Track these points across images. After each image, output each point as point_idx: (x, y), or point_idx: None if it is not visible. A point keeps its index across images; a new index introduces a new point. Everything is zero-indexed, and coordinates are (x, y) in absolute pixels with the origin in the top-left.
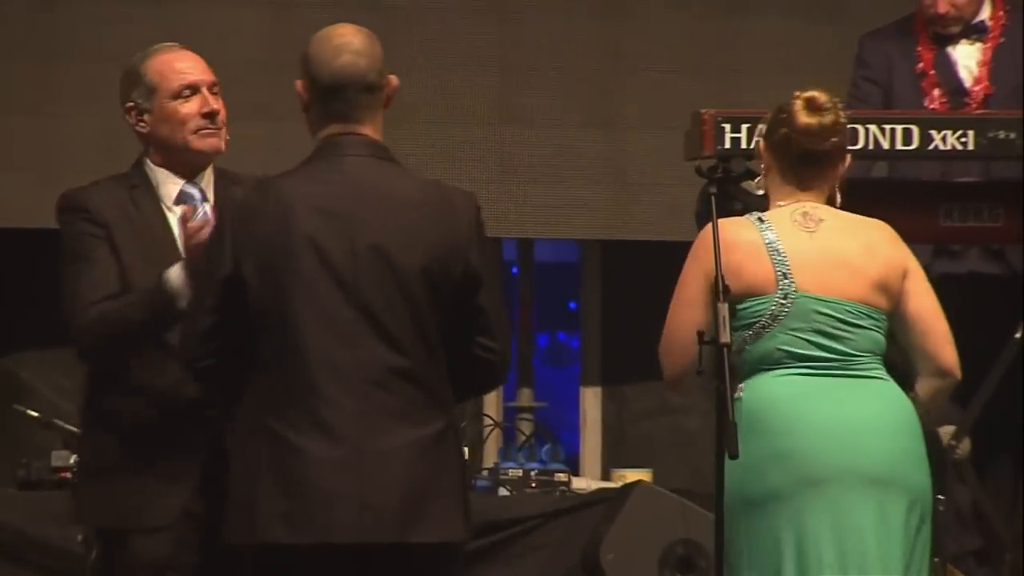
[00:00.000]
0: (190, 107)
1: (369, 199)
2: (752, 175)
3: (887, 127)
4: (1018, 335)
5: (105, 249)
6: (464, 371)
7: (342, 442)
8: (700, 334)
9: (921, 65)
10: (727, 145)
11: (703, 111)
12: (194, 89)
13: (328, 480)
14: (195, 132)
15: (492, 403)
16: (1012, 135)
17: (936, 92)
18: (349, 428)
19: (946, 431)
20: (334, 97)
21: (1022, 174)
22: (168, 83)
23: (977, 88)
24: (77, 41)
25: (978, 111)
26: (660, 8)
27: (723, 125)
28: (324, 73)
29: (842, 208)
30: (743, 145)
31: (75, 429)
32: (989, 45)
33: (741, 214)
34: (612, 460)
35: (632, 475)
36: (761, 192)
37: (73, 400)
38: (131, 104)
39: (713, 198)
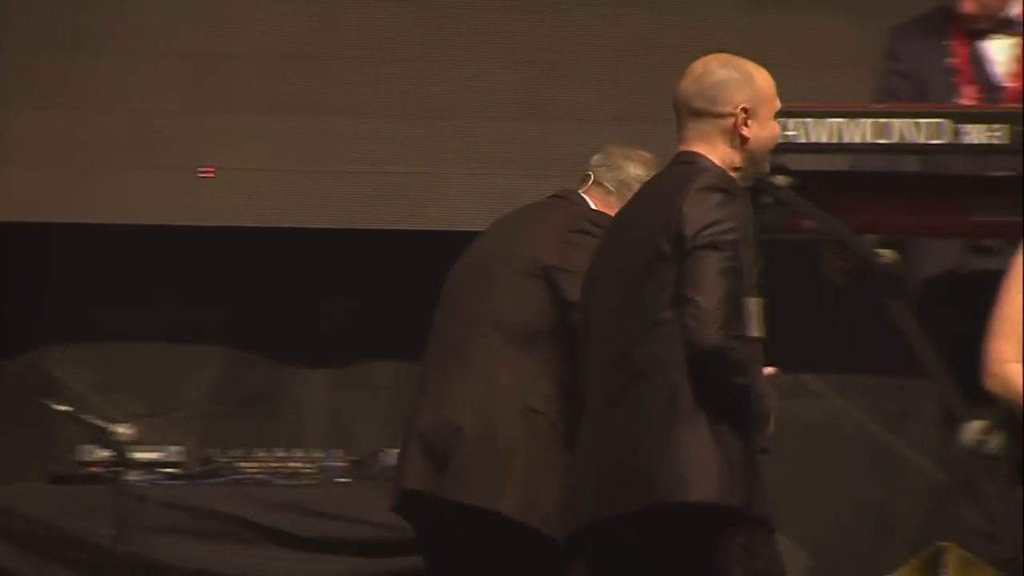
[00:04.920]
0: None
1: None
2: (783, 170)
3: (920, 121)
4: None
5: None
6: None
7: None
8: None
9: (955, 60)
10: None
11: None
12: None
13: None
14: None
15: None
16: None
17: (970, 88)
18: None
19: (977, 426)
20: (677, 116)
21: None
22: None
23: (1012, 83)
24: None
25: (1012, 106)
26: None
27: None
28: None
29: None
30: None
31: (103, 423)
32: (1023, 40)
33: None
34: None
35: None
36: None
37: (102, 394)
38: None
39: None
